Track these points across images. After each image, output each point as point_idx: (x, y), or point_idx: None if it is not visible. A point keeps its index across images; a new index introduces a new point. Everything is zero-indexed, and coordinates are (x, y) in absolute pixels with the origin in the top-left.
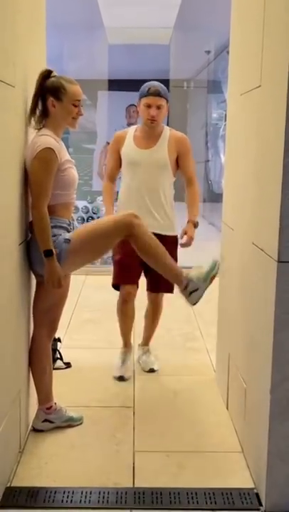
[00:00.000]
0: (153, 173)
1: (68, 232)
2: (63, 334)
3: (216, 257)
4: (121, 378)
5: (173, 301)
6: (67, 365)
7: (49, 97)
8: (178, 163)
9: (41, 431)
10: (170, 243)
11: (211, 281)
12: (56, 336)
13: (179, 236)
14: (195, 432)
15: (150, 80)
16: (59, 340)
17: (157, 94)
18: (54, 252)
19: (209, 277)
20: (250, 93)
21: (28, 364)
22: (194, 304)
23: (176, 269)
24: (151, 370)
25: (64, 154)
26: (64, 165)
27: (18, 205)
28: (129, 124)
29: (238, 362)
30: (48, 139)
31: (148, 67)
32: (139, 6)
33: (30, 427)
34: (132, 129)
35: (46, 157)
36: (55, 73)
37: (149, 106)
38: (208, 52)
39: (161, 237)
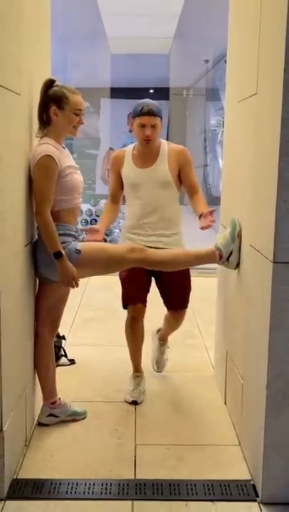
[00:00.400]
0: (156, 193)
1: (76, 238)
2: (68, 332)
3: (233, 216)
4: (134, 403)
5: None
6: (72, 361)
7: (51, 105)
8: (180, 177)
9: (46, 425)
10: None
11: (239, 239)
12: (61, 333)
13: (198, 220)
14: (194, 426)
15: (151, 88)
16: (63, 337)
17: (151, 113)
18: (63, 252)
19: (235, 236)
20: (246, 100)
21: (36, 363)
22: (236, 267)
23: (204, 254)
24: (160, 372)
25: (66, 160)
26: (65, 171)
27: (24, 208)
28: (131, 131)
29: (236, 359)
30: (48, 147)
31: (149, 76)
32: (141, 17)
33: (35, 421)
34: (129, 148)
35: (46, 164)
36: (58, 82)
37: (143, 126)
38: (207, 61)
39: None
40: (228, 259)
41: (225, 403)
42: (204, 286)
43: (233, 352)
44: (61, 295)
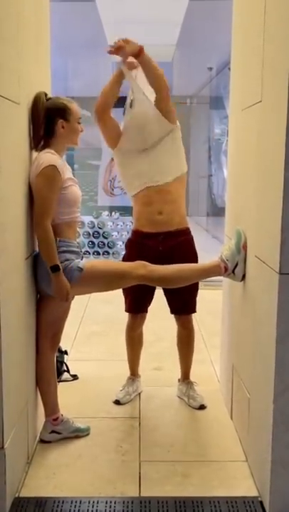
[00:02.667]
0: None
1: (78, 255)
2: (70, 347)
3: (237, 227)
4: (117, 402)
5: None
6: (74, 377)
7: (58, 119)
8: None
9: (49, 442)
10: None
11: (245, 250)
12: (63, 348)
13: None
14: (200, 442)
15: None
16: (66, 352)
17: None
18: (60, 266)
19: (241, 247)
20: (251, 108)
21: (38, 379)
22: (242, 279)
23: (208, 267)
24: (202, 407)
25: (67, 172)
26: (66, 183)
27: (25, 220)
28: None
29: (242, 372)
30: (52, 156)
31: None
32: (143, 24)
33: (38, 438)
34: None
35: (50, 174)
36: (49, 95)
37: None
38: (211, 68)
39: (179, 233)
40: (233, 271)
41: (231, 418)
42: (209, 299)
43: (239, 365)
44: (62, 309)
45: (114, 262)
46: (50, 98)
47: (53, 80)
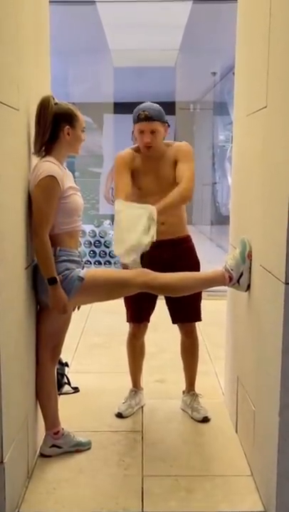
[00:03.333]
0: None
1: (79, 264)
2: (71, 359)
3: (242, 236)
4: (119, 415)
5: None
6: (75, 389)
7: (65, 124)
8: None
9: (49, 456)
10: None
11: (250, 259)
12: (64, 360)
13: None
14: (204, 456)
15: (156, 103)
16: (66, 364)
17: (148, 119)
18: (58, 279)
19: (246, 256)
20: (256, 114)
21: (38, 391)
22: (247, 289)
23: (212, 277)
24: (205, 419)
25: (67, 181)
26: (67, 192)
27: (24, 228)
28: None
29: (247, 384)
30: (51, 166)
31: (154, 90)
32: (145, 29)
33: (38, 452)
34: (134, 154)
35: (48, 185)
36: (56, 100)
37: (142, 132)
38: (214, 73)
39: (180, 241)
40: (238, 281)
41: (236, 431)
42: (213, 309)
43: (244, 377)
44: (62, 320)
45: (115, 271)
46: (57, 103)
47: (53, 86)
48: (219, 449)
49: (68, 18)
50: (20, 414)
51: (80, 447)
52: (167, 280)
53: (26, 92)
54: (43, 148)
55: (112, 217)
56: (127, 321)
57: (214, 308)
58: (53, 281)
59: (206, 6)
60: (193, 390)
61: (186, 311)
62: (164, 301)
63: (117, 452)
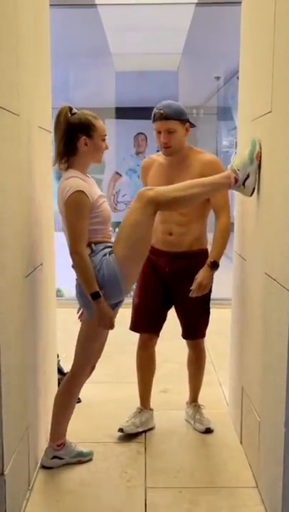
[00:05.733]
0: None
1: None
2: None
3: (253, 135)
4: (120, 430)
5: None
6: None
7: (81, 135)
8: None
9: (50, 468)
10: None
11: (258, 160)
12: (65, 370)
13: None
14: (208, 468)
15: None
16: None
17: (164, 118)
18: (101, 293)
19: (254, 156)
20: (260, 119)
21: (60, 401)
22: (252, 193)
23: (218, 179)
24: (208, 431)
25: (96, 191)
26: (98, 201)
27: (25, 236)
28: (138, 153)
29: (252, 395)
30: (76, 181)
31: (156, 94)
32: (147, 32)
33: (39, 463)
34: (159, 156)
35: (78, 201)
36: (74, 109)
37: (159, 132)
38: (218, 78)
39: (188, 255)
40: (244, 184)
41: (241, 442)
42: (217, 318)
43: (249, 387)
44: (106, 334)
45: (125, 223)
46: (75, 112)
47: (54, 90)
48: (224, 461)
49: (69, 21)
50: (21, 425)
51: (82, 458)
52: (174, 191)
53: (26, 97)
54: (64, 160)
55: (114, 225)
56: (131, 329)
57: (219, 316)
58: (96, 295)
59: (209, 9)
60: (196, 402)
61: (192, 328)
62: (176, 313)
63: (120, 464)
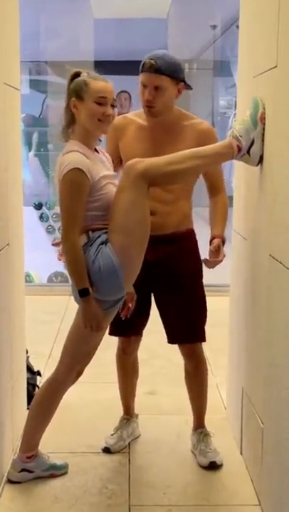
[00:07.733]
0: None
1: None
2: (44, 367)
3: (255, 94)
4: (106, 450)
5: None
6: None
7: (71, 98)
8: None
9: (18, 482)
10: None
11: (263, 123)
12: (35, 368)
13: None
14: (203, 482)
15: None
16: (38, 373)
17: (154, 70)
18: (91, 290)
19: (258, 119)
20: (264, 75)
21: (37, 408)
22: (259, 163)
23: (219, 149)
24: (213, 465)
25: (99, 170)
26: (100, 183)
27: None
28: (120, 115)
29: (254, 397)
30: (75, 156)
31: (142, 46)
32: None
33: (5, 477)
34: (137, 115)
35: (74, 180)
36: (85, 73)
37: (145, 86)
38: (214, 27)
39: (175, 238)
40: (248, 152)
41: (241, 452)
42: (214, 308)
43: (251, 389)
44: (99, 338)
45: (116, 205)
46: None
47: (22, 41)
48: (221, 474)
49: None
50: None
51: (55, 471)
52: (169, 167)
53: None
54: (70, 130)
55: None
56: (110, 334)
57: (216, 306)
58: (85, 292)
59: None
60: (203, 427)
61: (184, 327)
62: (159, 313)
63: (100, 477)
